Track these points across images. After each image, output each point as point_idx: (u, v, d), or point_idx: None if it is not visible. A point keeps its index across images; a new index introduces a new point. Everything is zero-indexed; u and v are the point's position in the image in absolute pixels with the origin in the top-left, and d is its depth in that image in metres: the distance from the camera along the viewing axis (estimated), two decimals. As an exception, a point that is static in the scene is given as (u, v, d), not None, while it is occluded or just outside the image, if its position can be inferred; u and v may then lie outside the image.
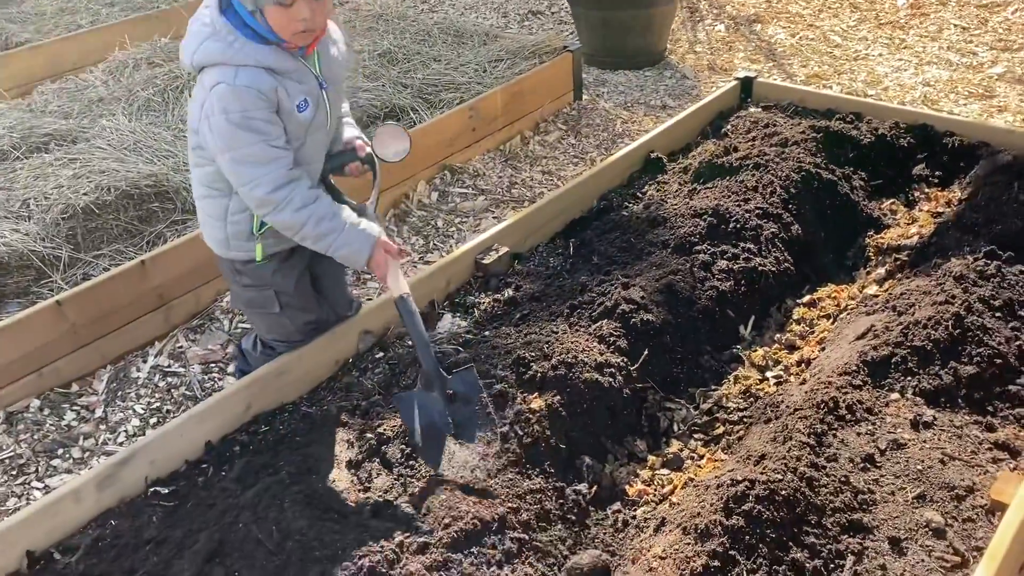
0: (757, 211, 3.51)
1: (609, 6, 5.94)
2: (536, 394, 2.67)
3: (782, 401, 2.76)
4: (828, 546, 2.23)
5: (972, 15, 6.57)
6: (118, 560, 2.28)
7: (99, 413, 3.28)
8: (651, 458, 2.74)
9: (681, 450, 2.77)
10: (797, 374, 3.05)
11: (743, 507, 2.21)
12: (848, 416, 2.62)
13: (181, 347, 3.57)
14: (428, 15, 6.26)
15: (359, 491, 2.49)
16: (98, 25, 6.16)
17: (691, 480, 2.60)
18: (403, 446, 2.58)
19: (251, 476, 2.46)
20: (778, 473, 2.29)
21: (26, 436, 3.17)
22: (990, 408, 2.68)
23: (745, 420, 2.83)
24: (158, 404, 3.33)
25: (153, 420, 3.26)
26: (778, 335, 3.26)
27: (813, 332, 3.26)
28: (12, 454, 3.11)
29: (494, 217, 4.40)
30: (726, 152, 3.96)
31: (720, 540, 2.17)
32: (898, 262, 3.49)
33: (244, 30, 2.42)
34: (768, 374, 3.08)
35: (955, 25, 6.46)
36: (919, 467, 2.44)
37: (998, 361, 2.75)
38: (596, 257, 3.45)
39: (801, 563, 2.17)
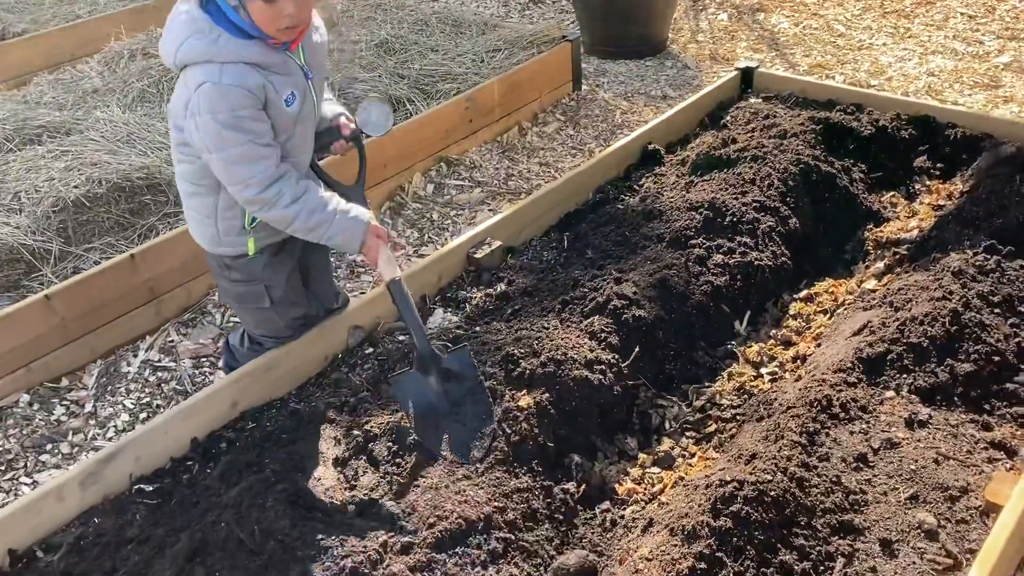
0: (754, 204, 3.47)
1: (610, -6, 5.89)
2: (524, 392, 2.63)
3: (775, 399, 2.72)
4: (818, 548, 2.19)
5: (980, 3, 6.48)
6: (99, 559, 2.26)
7: (88, 408, 3.26)
8: (642, 456, 2.70)
9: (672, 448, 2.73)
10: (792, 371, 3.00)
11: (731, 508, 2.17)
12: (842, 414, 2.58)
13: (172, 341, 3.54)
14: (427, 4, 6.20)
15: (345, 489, 2.46)
16: (96, 15, 6.12)
17: (681, 479, 2.57)
18: (390, 443, 2.55)
19: (235, 474, 2.43)
20: (768, 473, 2.26)
21: (15, 431, 3.15)
22: (987, 406, 2.63)
23: (738, 418, 2.79)
24: (148, 399, 3.31)
25: (143, 415, 3.24)
26: (774, 331, 3.21)
27: (810, 328, 3.21)
28: (0, 449, 3.09)
29: (490, 210, 4.35)
30: (724, 144, 3.91)
31: (707, 542, 2.13)
32: (897, 256, 3.44)
33: (227, 25, 2.37)
34: (763, 371, 3.03)
35: (962, 13, 6.37)
36: (913, 467, 2.40)
37: (996, 359, 2.70)
38: (590, 251, 3.41)
39: (790, 565, 2.14)
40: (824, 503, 2.27)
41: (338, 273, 3.88)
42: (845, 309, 3.22)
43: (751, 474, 2.26)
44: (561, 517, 2.47)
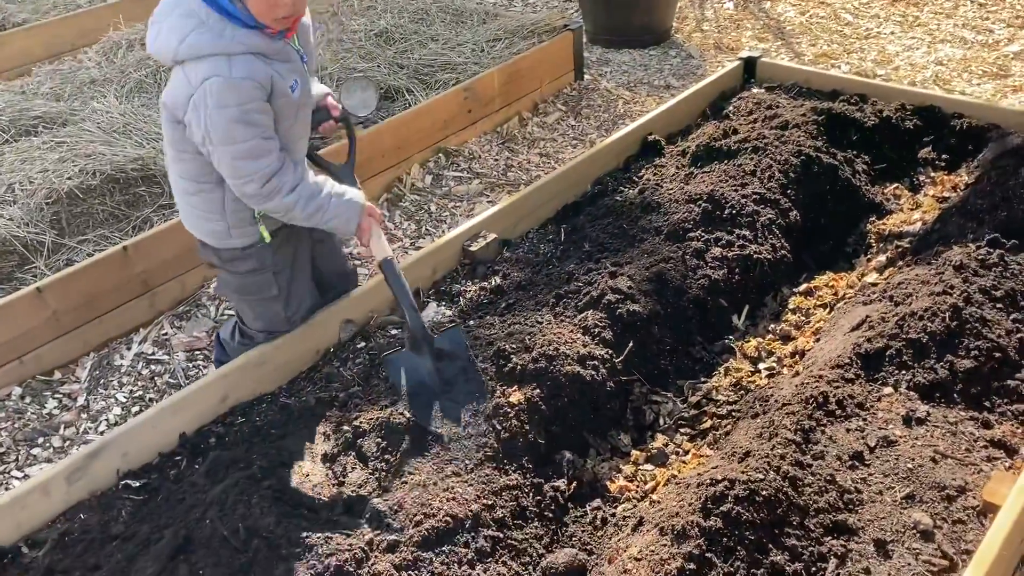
0: (754, 196, 3.41)
1: (614, -17, 5.82)
2: (516, 387, 2.60)
3: (771, 395, 2.68)
4: (810, 548, 2.15)
5: (989, -9, 6.40)
6: (83, 556, 2.24)
7: (81, 401, 3.24)
8: (635, 453, 2.66)
9: (666, 445, 2.69)
10: (790, 366, 2.96)
11: (721, 508, 2.14)
12: (838, 411, 2.53)
13: (166, 334, 3.52)
14: (429, -7, 6.15)
15: (333, 486, 2.44)
16: (97, 4, 6.09)
17: (674, 477, 2.53)
18: (379, 439, 2.52)
19: (221, 470, 2.40)
20: (760, 472, 2.21)
21: (7, 424, 3.13)
22: (987, 404, 2.58)
23: (734, 414, 2.75)
24: (140, 392, 3.29)
25: (135, 408, 3.22)
26: (773, 325, 3.17)
27: (809, 322, 3.17)
28: (-8, 443, 3.09)
29: (488, 201, 4.31)
30: (725, 135, 3.85)
31: (697, 542, 2.09)
32: (899, 249, 3.38)
33: (225, 15, 2.33)
34: (761, 366, 2.99)
35: (972, 1, 6.28)
36: (909, 465, 2.35)
37: (997, 355, 2.64)
38: (587, 244, 3.36)
39: (781, 566, 2.10)
40: (818, 502, 2.23)
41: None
42: (845, 303, 3.17)
43: (743, 473, 2.22)
44: (551, 515, 2.44)
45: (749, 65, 4.56)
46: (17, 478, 2.96)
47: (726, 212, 3.33)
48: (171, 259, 3.53)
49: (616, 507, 2.50)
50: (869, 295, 3.08)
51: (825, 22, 6.19)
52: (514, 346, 2.71)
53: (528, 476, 2.47)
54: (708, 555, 2.08)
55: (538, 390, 2.59)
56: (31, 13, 6.02)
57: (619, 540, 2.32)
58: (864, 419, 2.52)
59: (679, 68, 5.72)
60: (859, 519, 2.23)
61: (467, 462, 2.44)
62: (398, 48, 5.02)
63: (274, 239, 2.69)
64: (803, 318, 3.19)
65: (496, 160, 4.66)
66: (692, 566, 2.06)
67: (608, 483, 2.56)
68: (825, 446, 2.42)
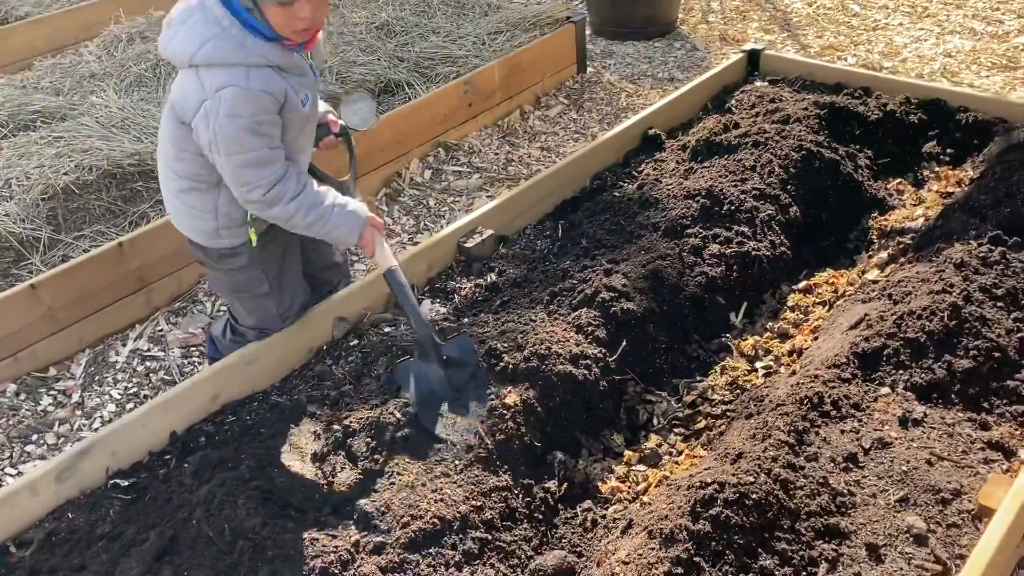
0: (754, 192, 3.37)
1: (618, -26, 5.77)
2: (509, 388, 2.57)
3: (767, 395, 2.64)
4: (801, 552, 2.12)
5: (1001, -20, 6.30)
6: (69, 556, 2.24)
7: (76, 398, 3.24)
8: (628, 453, 2.64)
9: (659, 445, 2.66)
10: (788, 364, 2.92)
11: (710, 511, 2.11)
12: (833, 412, 2.50)
13: (162, 331, 3.51)
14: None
15: (322, 486, 2.42)
16: (99, -3, 6.08)
17: (666, 478, 2.50)
18: (369, 439, 2.50)
19: (209, 470, 2.39)
20: (750, 475, 2.18)
21: (1, 421, 3.13)
22: (985, 405, 2.54)
23: (728, 414, 2.72)
24: (135, 389, 3.28)
25: (130, 405, 3.21)
26: (771, 323, 3.13)
27: (807, 320, 3.13)
28: (-14, 440, 3.09)
29: (488, 196, 4.28)
30: (726, 129, 3.81)
31: (685, 546, 2.07)
32: (901, 246, 3.33)
33: (249, 29, 2.34)
34: (758, 365, 2.95)
35: (981, -9, 6.20)
36: (904, 468, 2.32)
37: (996, 354, 2.60)
38: (585, 240, 3.33)
39: (770, 570, 2.07)
40: (809, 506, 2.20)
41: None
42: (844, 301, 3.13)
43: (733, 475, 2.19)
44: (541, 516, 2.41)
45: (753, 58, 4.51)
46: (11, 475, 2.96)
47: (725, 208, 3.29)
48: (167, 255, 3.52)
49: (607, 508, 2.47)
50: (869, 293, 3.04)
51: (832, 13, 6.12)
52: (506, 345, 2.68)
53: (519, 477, 2.45)
54: (696, 559, 2.05)
55: (530, 390, 2.56)
56: (34, 6, 6.01)
57: (608, 543, 2.29)
58: (860, 420, 2.49)
59: (683, 60, 5.66)
60: (851, 523, 2.20)
61: (457, 462, 2.42)
62: (399, 41, 4.99)
63: (262, 237, 2.68)
64: (802, 316, 3.15)
65: (496, 154, 4.62)
66: (680, 570, 2.03)
67: (600, 484, 2.54)
68: (819, 448, 2.38)
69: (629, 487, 2.53)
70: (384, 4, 5.43)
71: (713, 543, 2.07)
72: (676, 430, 2.72)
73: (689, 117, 4.25)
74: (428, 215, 4.19)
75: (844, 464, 2.34)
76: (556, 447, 2.58)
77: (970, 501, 2.24)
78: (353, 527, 2.24)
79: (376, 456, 2.45)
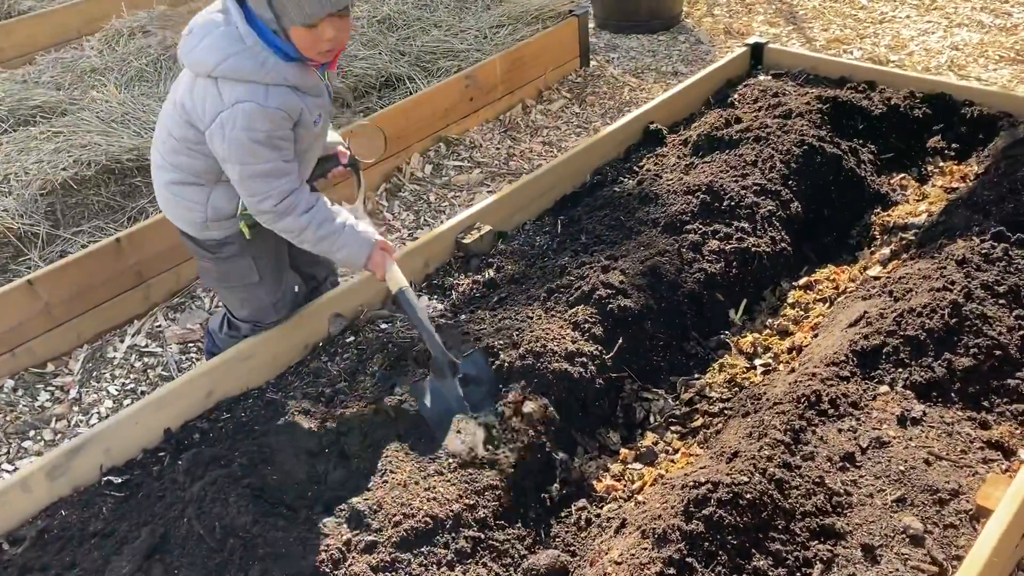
0: (754, 188, 3.34)
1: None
2: (520, 395, 2.54)
3: (764, 393, 2.62)
4: (795, 553, 2.10)
5: (1009, -27, 6.23)
6: (60, 553, 2.24)
7: (73, 394, 3.23)
8: (624, 451, 2.62)
9: (656, 443, 2.64)
10: (787, 362, 2.90)
11: (703, 511, 2.08)
12: (831, 411, 2.47)
13: (160, 326, 3.50)
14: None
15: (315, 483, 2.41)
16: (102, -9, 6.06)
17: (661, 477, 2.48)
18: (363, 436, 2.49)
19: (201, 468, 2.38)
20: (745, 475, 2.16)
21: (-2, 417, 3.14)
22: (985, 404, 2.51)
23: (726, 412, 2.69)
24: (133, 385, 3.28)
25: (127, 401, 3.21)
26: (770, 320, 3.10)
27: (808, 317, 3.10)
28: (-17, 435, 3.09)
29: (489, 191, 4.26)
30: (727, 123, 3.77)
31: (677, 546, 2.04)
32: (904, 242, 3.30)
33: (271, 47, 2.38)
34: (756, 362, 2.93)
35: (990, -17, 6.13)
36: (901, 467, 2.29)
37: (997, 353, 2.57)
38: (584, 236, 3.31)
39: (764, 571, 2.05)
40: (805, 506, 2.18)
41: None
42: (845, 297, 3.10)
43: (728, 475, 2.16)
44: (535, 516, 2.39)
45: (756, 51, 4.47)
46: (8, 471, 2.96)
47: (725, 204, 3.26)
48: (165, 251, 3.51)
49: (602, 507, 2.45)
50: (870, 290, 3.00)
51: (839, 6, 6.06)
52: (502, 342, 2.66)
53: (530, 485, 2.42)
54: (688, 560, 2.03)
55: (526, 388, 2.54)
56: (36, 1, 6.01)
57: (602, 542, 2.28)
58: (857, 419, 2.46)
59: (688, 54, 5.62)
60: (847, 523, 2.18)
61: (450, 460, 2.40)
62: (401, 35, 4.96)
63: (251, 229, 2.68)
64: (802, 313, 3.12)
65: (498, 149, 4.60)
66: (672, 571, 2.01)
67: (595, 482, 2.52)
68: (815, 447, 2.36)
69: (624, 485, 2.51)
70: (386, -3, 5.40)
71: (706, 543, 2.05)
72: (673, 428, 2.70)
73: (691, 111, 4.22)
74: (428, 210, 4.17)
75: (841, 463, 2.32)
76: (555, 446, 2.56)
77: (968, 501, 2.21)
78: (345, 525, 2.23)
79: (369, 454, 2.44)
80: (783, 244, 3.27)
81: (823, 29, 5.75)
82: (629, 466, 2.58)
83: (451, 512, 2.25)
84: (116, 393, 3.24)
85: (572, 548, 2.33)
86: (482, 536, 2.26)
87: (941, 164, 3.76)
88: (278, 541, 2.16)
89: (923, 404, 2.49)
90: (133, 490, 2.44)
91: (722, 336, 3.02)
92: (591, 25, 5.92)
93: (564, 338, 2.69)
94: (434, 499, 2.28)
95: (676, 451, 2.61)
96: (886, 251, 3.31)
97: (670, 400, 2.78)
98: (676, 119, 4.15)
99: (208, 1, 2.61)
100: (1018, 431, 2.43)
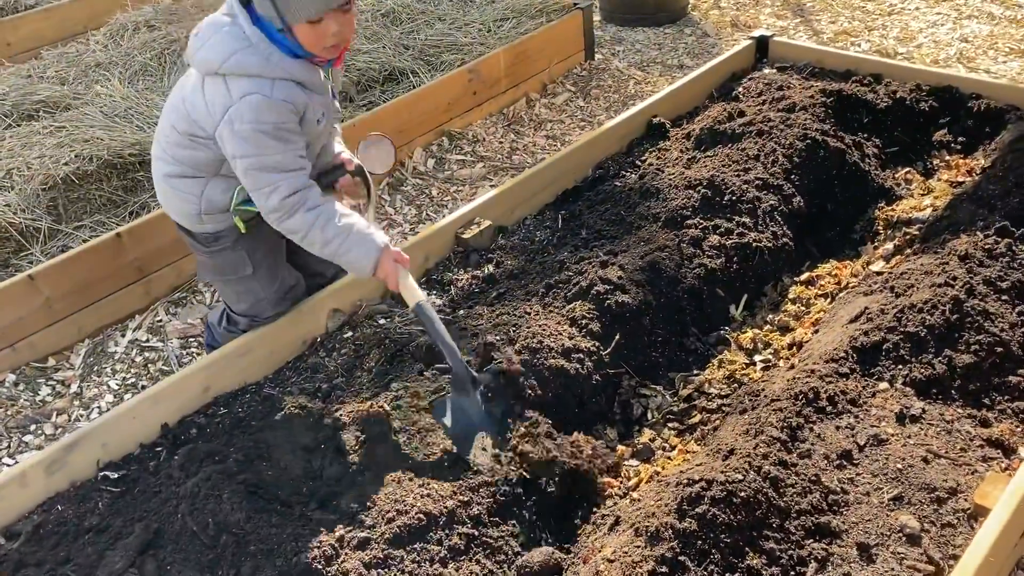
0: (756, 182, 3.31)
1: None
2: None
3: (762, 390, 2.60)
4: (790, 552, 2.08)
5: (1020, -36, 6.16)
6: (55, 548, 2.24)
7: (74, 388, 3.25)
8: (620, 448, 2.60)
9: (653, 440, 2.62)
10: (787, 358, 2.87)
11: (697, 509, 2.07)
12: (829, 408, 2.45)
13: (161, 321, 3.51)
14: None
15: (310, 479, 2.40)
16: (108, -14, 6.07)
17: (657, 473, 2.47)
18: (359, 433, 2.48)
19: (196, 463, 2.38)
20: (739, 473, 2.14)
21: (-1, 411, 3.15)
22: (986, 401, 2.48)
23: (724, 408, 2.68)
24: (133, 380, 3.28)
25: (128, 396, 3.22)
26: (771, 316, 3.08)
27: (809, 313, 3.07)
28: (-16, 430, 3.10)
29: (491, 185, 4.25)
30: (730, 117, 3.75)
31: (670, 544, 2.03)
32: (908, 237, 3.26)
33: (276, 44, 2.42)
34: (756, 358, 2.91)
35: (1001, -26, 6.06)
36: (899, 466, 2.27)
37: (999, 349, 2.54)
38: (585, 231, 3.29)
39: (757, 570, 2.03)
40: (800, 504, 2.16)
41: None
42: (847, 293, 3.07)
43: (722, 473, 2.15)
44: (529, 513, 2.38)
45: (761, 44, 4.43)
46: (8, 465, 2.97)
47: (726, 198, 3.24)
48: (166, 245, 3.52)
49: (597, 504, 2.44)
50: (871, 285, 2.98)
51: (847, -2, 6.02)
52: (499, 338, 2.65)
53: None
54: (681, 558, 2.01)
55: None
56: (43, -5, 6.03)
57: (596, 539, 2.26)
58: (856, 416, 2.44)
59: (694, 47, 5.59)
60: (843, 521, 2.16)
61: (445, 456, 2.40)
62: (404, 28, 4.95)
63: (247, 223, 2.70)
64: (803, 308, 3.09)
65: (501, 143, 4.58)
66: (664, 569, 2.00)
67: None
68: (812, 444, 2.34)
69: (621, 482, 2.50)
70: (391, -9, 5.38)
71: (699, 542, 2.04)
72: (670, 424, 2.68)
73: (695, 105, 4.19)
74: (431, 205, 4.16)
75: (838, 461, 2.30)
76: (548, 442, 2.54)
77: (966, 500, 2.19)
78: (338, 522, 2.22)
79: (365, 450, 2.44)
80: (785, 239, 3.25)
81: (831, 21, 5.70)
82: (625, 463, 2.57)
83: (444, 508, 2.24)
84: (117, 388, 3.25)
85: (566, 545, 2.32)
86: (475, 533, 2.25)
87: (947, 158, 3.72)
88: (271, 537, 2.16)
89: (923, 401, 2.47)
90: (129, 485, 2.44)
91: (722, 332, 3.00)
92: (597, 18, 5.89)
93: (561, 334, 2.67)
94: (428, 496, 2.27)
95: (673, 448, 2.60)
96: (889, 246, 3.28)
97: (668, 396, 2.77)
98: (680, 113, 4.12)
99: (211, -4, 2.62)
100: (1019, 429, 2.41)
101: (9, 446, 3.05)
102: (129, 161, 3.77)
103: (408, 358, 2.74)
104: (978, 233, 2.95)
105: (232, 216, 2.66)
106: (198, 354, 3.37)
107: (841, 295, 3.08)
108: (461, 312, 2.95)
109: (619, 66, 5.32)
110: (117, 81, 4.44)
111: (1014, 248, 2.85)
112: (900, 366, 2.56)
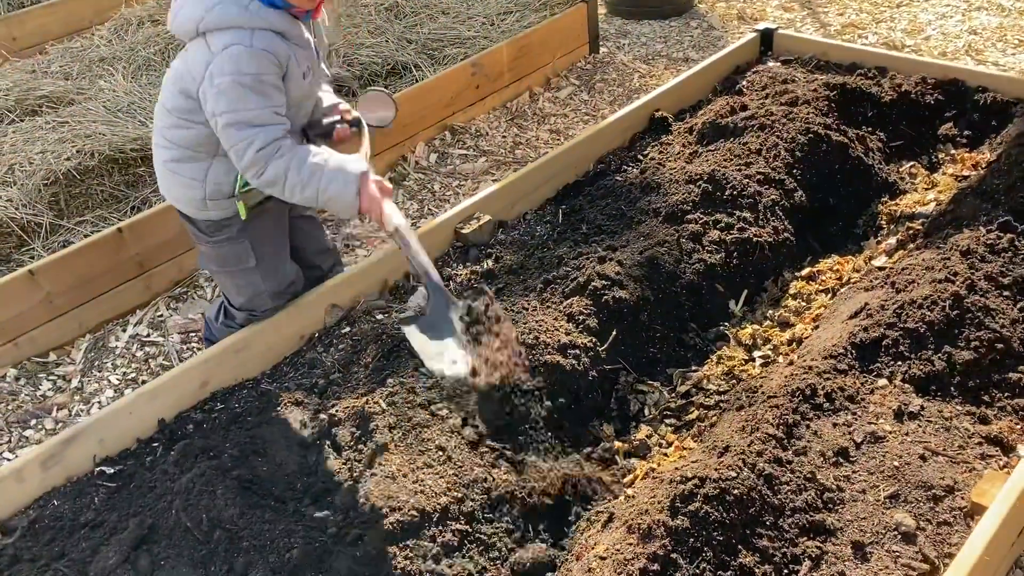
0: (758, 176, 3.29)
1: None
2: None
3: (760, 386, 2.58)
4: (783, 550, 2.07)
5: (1031, -45, 6.09)
6: (51, 544, 2.24)
7: (75, 383, 3.26)
8: (617, 444, 2.59)
9: (649, 436, 2.61)
10: (786, 354, 2.85)
11: (690, 507, 2.06)
12: (826, 405, 2.43)
13: (161, 316, 3.52)
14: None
15: (305, 475, 2.40)
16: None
17: (652, 470, 2.45)
18: (354, 428, 2.48)
19: (191, 459, 2.38)
20: (733, 470, 2.13)
21: (0, 406, 3.16)
22: (986, 398, 2.46)
23: (721, 405, 2.66)
24: (134, 375, 3.29)
25: (129, 391, 3.22)
26: (771, 311, 3.06)
27: (809, 308, 3.05)
28: (-15, 425, 3.12)
29: (494, 180, 4.23)
30: (732, 111, 3.72)
31: (662, 542, 2.02)
32: (911, 232, 3.23)
33: None
34: (755, 354, 2.89)
35: (1011, -35, 5.99)
36: (896, 463, 2.25)
37: (999, 346, 2.52)
38: (585, 226, 3.28)
39: (750, 568, 2.02)
40: (795, 502, 2.15)
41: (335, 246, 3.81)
42: (848, 289, 3.05)
43: (716, 470, 2.14)
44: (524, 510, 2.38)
45: (766, 37, 4.40)
46: (9, 460, 2.99)
47: (727, 193, 3.22)
48: (167, 241, 3.53)
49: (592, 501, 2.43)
50: (872, 281, 2.95)
51: (855, -10, 5.96)
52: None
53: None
54: (673, 556, 2.01)
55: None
56: (49, -10, 6.02)
57: (589, 536, 2.26)
58: (853, 413, 2.42)
59: (700, 40, 5.55)
60: (838, 519, 2.14)
61: (439, 453, 2.39)
62: (408, 22, 4.94)
63: (250, 211, 2.68)
64: (803, 304, 3.07)
65: (504, 137, 4.57)
66: (656, 567, 1.99)
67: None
68: (809, 441, 2.32)
69: (616, 479, 2.49)
70: (395, -15, 5.37)
71: (691, 539, 2.03)
72: (667, 421, 2.67)
73: (699, 99, 4.16)
74: (433, 200, 4.15)
75: (834, 459, 2.28)
76: (544, 438, 2.54)
77: (963, 498, 2.17)
78: (332, 517, 2.22)
79: (360, 446, 2.43)
80: (786, 234, 3.22)
81: (839, 14, 5.65)
82: (622, 459, 2.55)
83: (438, 505, 2.24)
84: (117, 383, 3.26)
85: (560, 542, 2.31)
86: (469, 529, 2.25)
87: (952, 152, 3.68)
88: (264, 533, 2.16)
89: (922, 398, 2.45)
90: (125, 480, 2.44)
91: (721, 328, 2.98)
92: (602, 11, 5.86)
93: (557, 330, 2.66)
94: (421, 492, 2.27)
95: (669, 444, 2.58)
96: (892, 241, 3.25)
97: (666, 393, 2.75)
98: (683, 107, 4.09)
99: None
100: (1018, 426, 2.39)
101: (10, 441, 3.06)
102: (131, 156, 3.78)
103: (404, 354, 2.73)
104: (980, 228, 2.92)
105: (236, 202, 2.65)
106: (198, 349, 3.38)
107: (842, 291, 3.06)
108: (459, 307, 2.94)
109: (624, 59, 5.29)
110: (120, 76, 4.45)
111: (1017, 243, 2.82)
112: (899, 362, 2.54)
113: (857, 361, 2.58)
